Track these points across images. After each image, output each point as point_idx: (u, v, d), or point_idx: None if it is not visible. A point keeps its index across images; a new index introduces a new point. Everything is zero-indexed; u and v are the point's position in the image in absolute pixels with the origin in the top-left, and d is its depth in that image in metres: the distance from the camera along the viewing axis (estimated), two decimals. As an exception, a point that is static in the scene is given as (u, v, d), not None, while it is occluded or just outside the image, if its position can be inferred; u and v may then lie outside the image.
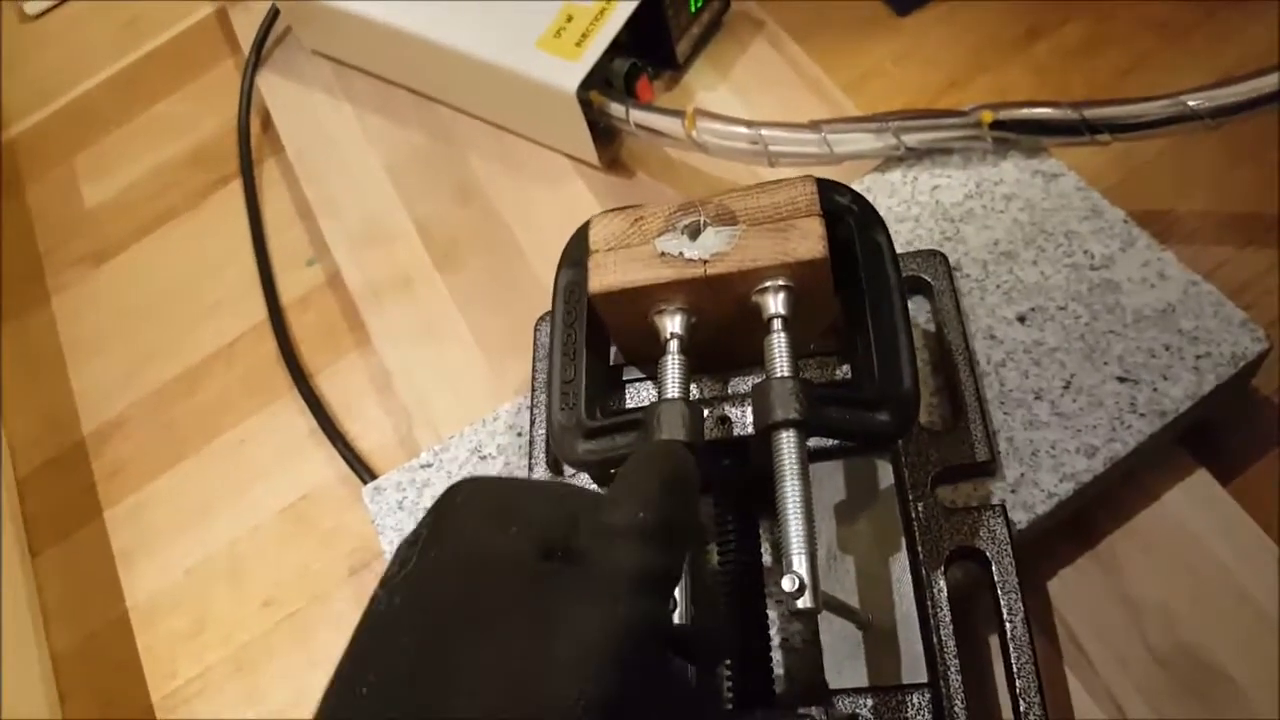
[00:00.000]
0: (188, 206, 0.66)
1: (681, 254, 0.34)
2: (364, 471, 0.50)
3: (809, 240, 0.34)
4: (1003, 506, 0.39)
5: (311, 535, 0.51)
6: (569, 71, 0.53)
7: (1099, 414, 0.41)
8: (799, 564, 0.30)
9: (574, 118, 0.54)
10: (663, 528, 0.26)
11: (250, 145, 0.65)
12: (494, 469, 0.45)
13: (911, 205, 0.48)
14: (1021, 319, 0.44)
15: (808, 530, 0.31)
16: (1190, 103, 0.46)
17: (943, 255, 0.45)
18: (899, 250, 0.46)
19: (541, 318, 0.46)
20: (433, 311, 0.54)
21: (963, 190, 0.48)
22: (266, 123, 0.66)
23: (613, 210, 0.38)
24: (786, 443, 0.32)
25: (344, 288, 0.57)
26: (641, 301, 0.35)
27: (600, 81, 0.54)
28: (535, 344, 0.45)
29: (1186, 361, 0.41)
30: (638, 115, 0.53)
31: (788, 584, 0.29)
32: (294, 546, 0.51)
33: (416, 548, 0.26)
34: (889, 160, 0.50)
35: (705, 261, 0.34)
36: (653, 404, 0.34)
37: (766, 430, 0.32)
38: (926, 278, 0.45)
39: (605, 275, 0.35)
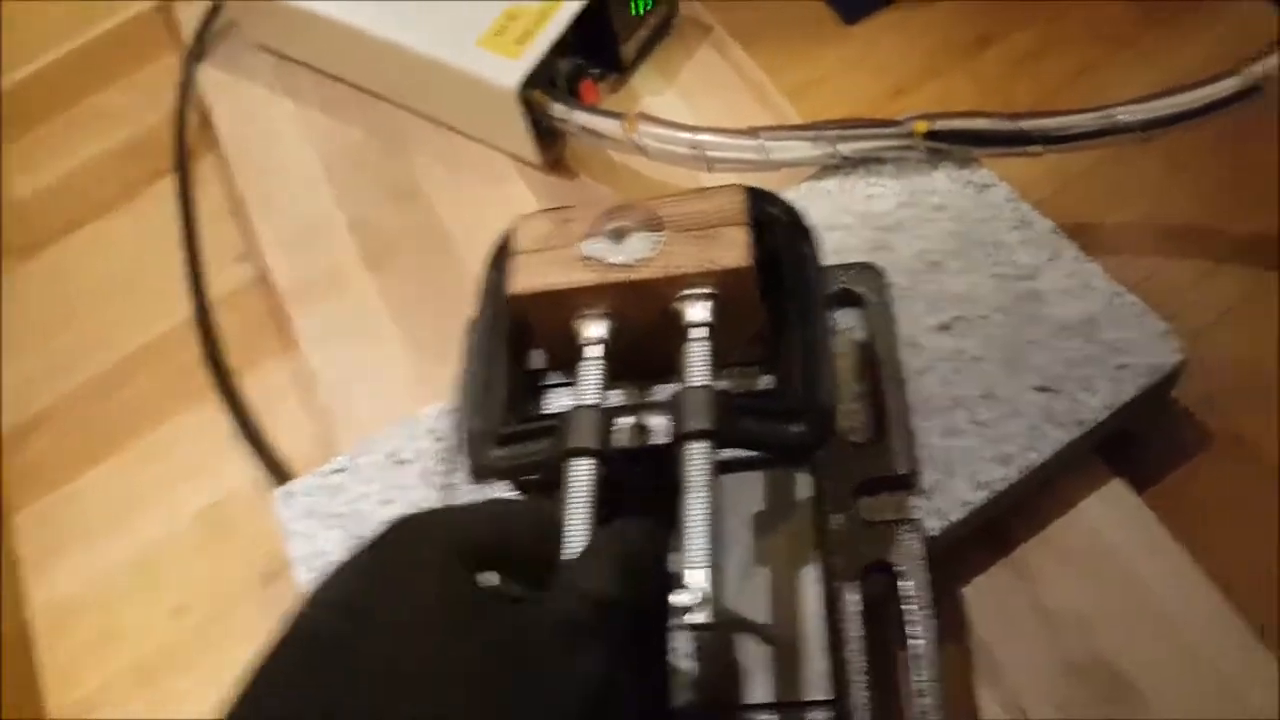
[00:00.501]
0: (120, 200, 0.64)
1: (605, 259, 0.34)
2: (281, 475, 0.49)
3: (734, 249, 0.33)
4: (919, 522, 0.38)
5: (227, 541, 0.50)
6: (509, 69, 0.53)
7: (1016, 423, 0.41)
8: (697, 577, 0.29)
9: (514, 117, 0.53)
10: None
11: (186, 139, 0.64)
12: (410, 474, 0.44)
13: (844, 214, 0.48)
14: (945, 328, 0.44)
15: (709, 544, 0.30)
16: (1120, 116, 0.46)
17: (875, 268, 0.45)
18: (832, 260, 0.46)
19: (472, 322, 0.46)
20: (362, 312, 0.54)
21: (895, 200, 0.48)
22: (206, 118, 0.65)
23: (540, 211, 0.38)
24: (696, 454, 0.31)
25: (274, 287, 0.56)
26: (563, 305, 0.34)
27: (543, 82, 0.54)
28: (463, 353, 0.45)
29: (1106, 372, 0.41)
30: (578, 116, 0.52)
31: (685, 598, 0.29)
32: (208, 552, 0.50)
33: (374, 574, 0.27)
34: (826, 168, 0.50)
35: (629, 267, 0.34)
36: (565, 411, 0.33)
37: (679, 440, 0.32)
38: (859, 290, 0.45)
39: (526, 277, 0.34)
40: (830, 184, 0.49)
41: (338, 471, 0.45)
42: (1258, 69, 0.43)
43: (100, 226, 0.64)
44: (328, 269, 0.56)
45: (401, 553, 0.27)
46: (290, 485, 0.45)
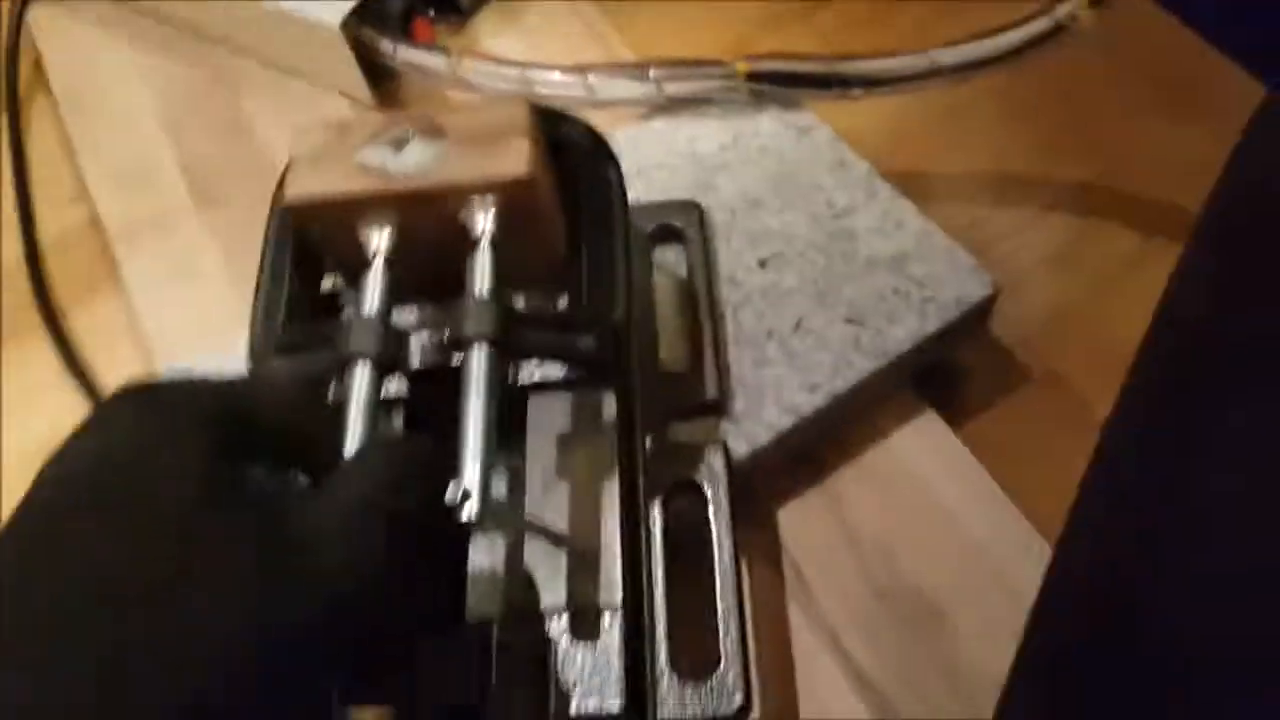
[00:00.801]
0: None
1: (384, 166, 0.33)
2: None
3: (513, 158, 0.33)
4: (724, 443, 0.39)
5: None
6: (334, 7, 0.52)
7: (824, 353, 0.42)
8: (469, 475, 0.29)
9: (342, 54, 0.53)
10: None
11: (17, 80, 0.62)
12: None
13: (671, 154, 0.48)
14: (762, 264, 0.45)
15: (485, 443, 0.30)
16: (938, 58, 0.47)
17: (698, 205, 0.46)
18: (657, 198, 0.46)
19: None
20: (190, 251, 0.53)
21: (719, 141, 0.49)
22: (38, 59, 0.63)
23: (317, 122, 0.37)
24: (474, 358, 0.31)
25: (103, 228, 0.55)
26: (343, 215, 0.34)
27: (373, 19, 0.53)
28: None
29: (912, 304, 0.43)
30: (405, 53, 0.52)
31: (451, 492, 0.29)
32: (32, 491, 0.49)
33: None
34: (654, 109, 0.50)
35: (408, 176, 0.33)
36: (344, 321, 0.33)
37: (457, 345, 0.32)
38: (679, 225, 0.45)
39: (301, 184, 0.34)
40: (658, 124, 0.49)
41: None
42: (1064, 9, 0.45)
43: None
44: (157, 209, 0.54)
45: (150, 427, 0.25)
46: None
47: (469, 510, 0.29)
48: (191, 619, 0.22)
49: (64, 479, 0.24)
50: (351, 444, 0.30)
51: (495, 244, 0.33)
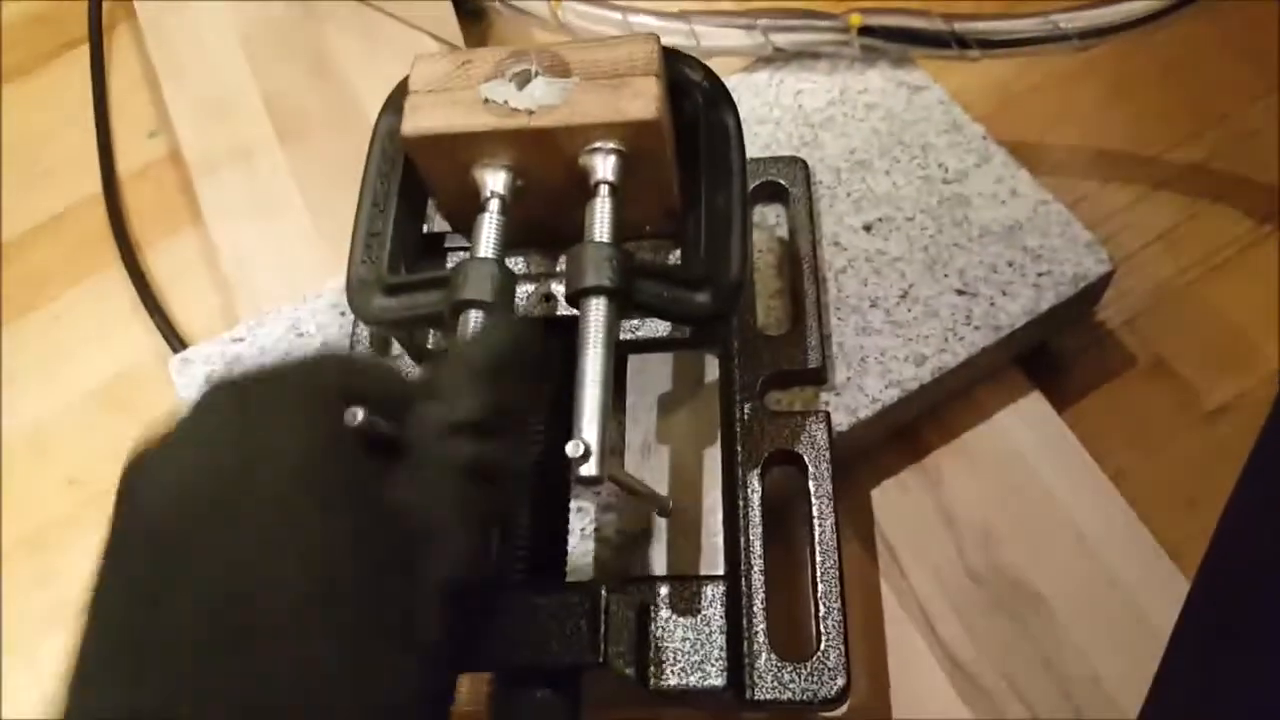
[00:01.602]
0: (29, 68, 0.61)
1: (506, 102, 0.32)
2: (181, 347, 0.47)
3: (642, 99, 0.31)
4: (826, 414, 0.37)
5: (125, 413, 0.48)
6: (431, -57, 0.50)
7: (933, 324, 0.40)
8: (587, 431, 0.28)
9: (435, -8, 0.51)
10: (492, 418, 0.25)
11: (100, 9, 0.61)
12: (311, 347, 0.42)
13: (774, 108, 0.47)
14: (868, 228, 0.43)
15: (602, 399, 0.29)
16: (1060, 22, 0.45)
17: (803, 162, 0.44)
18: (758, 154, 0.44)
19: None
20: (271, 187, 0.51)
21: (826, 96, 0.46)
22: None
23: (439, 52, 0.35)
24: (594, 310, 0.30)
25: (184, 162, 0.54)
26: (460, 152, 0.32)
27: (468, -43, 0.52)
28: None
29: (1028, 278, 0.41)
30: (503, -7, 0.50)
31: (571, 449, 0.27)
32: (105, 424, 0.48)
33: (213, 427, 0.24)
34: (757, 61, 0.48)
35: (531, 112, 0.32)
36: (460, 263, 0.32)
37: (575, 296, 0.31)
38: (784, 183, 0.43)
39: (420, 118, 0.32)
40: (760, 77, 0.47)
41: (237, 341, 0.43)
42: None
43: (8, 94, 0.60)
44: (239, 143, 0.53)
45: (256, 424, 0.24)
46: (187, 353, 0.43)
47: (589, 467, 0.27)
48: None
49: (180, 487, 0.23)
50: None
51: (614, 190, 0.31)
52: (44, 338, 0.52)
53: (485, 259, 0.31)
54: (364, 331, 0.40)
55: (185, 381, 0.42)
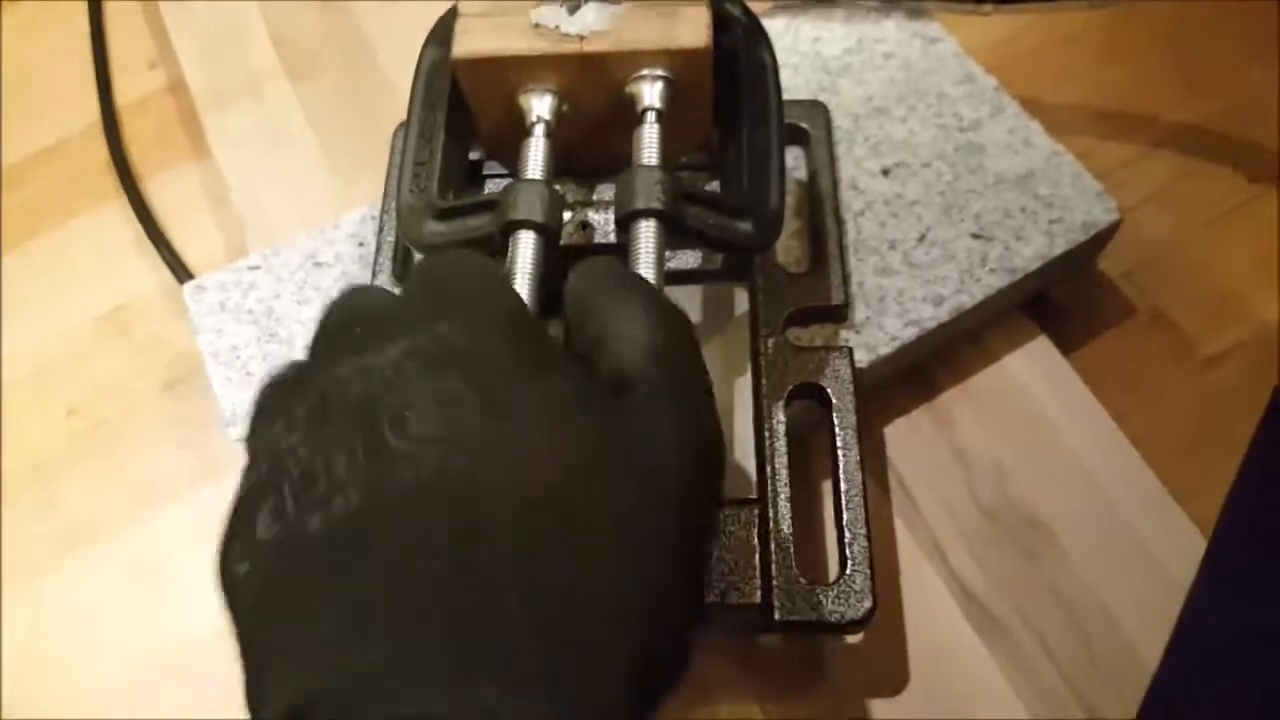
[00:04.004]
0: (23, -5, 0.60)
1: (558, 27, 0.32)
2: (187, 277, 0.47)
3: (693, 27, 0.31)
4: (849, 349, 0.38)
5: (127, 345, 0.48)
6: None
7: (950, 266, 0.41)
8: None
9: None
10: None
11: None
12: (329, 277, 0.42)
13: (792, 54, 0.47)
14: (885, 172, 0.43)
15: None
16: (1076, -23, 0.46)
17: (824, 106, 0.44)
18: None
19: (401, 125, 0.43)
20: (280, 119, 0.51)
21: (843, 45, 0.47)
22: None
23: None
24: (645, 233, 0.30)
25: (186, 94, 0.53)
26: (509, 76, 0.32)
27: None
28: (392, 154, 0.43)
29: (1040, 225, 0.41)
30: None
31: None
32: (107, 356, 0.48)
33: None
34: (775, 6, 0.48)
35: (582, 38, 0.32)
36: (510, 184, 0.32)
37: (626, 219, 0.31)
38: (805, 125, 0.44)
39: (472, 41, 0.32)
40: (778, 23, 0.48)
41: (253, 269, 0.43)
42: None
43: (6, 20, 0.59)
44: (245, 74, 0.53)
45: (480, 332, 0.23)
46: (201, 279, 0.43)
47: None
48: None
49: None
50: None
51: (661, 116, 0.31)
52: (44, 265, 0.51)
53: (535, 180, 0.31)
54: (385, 260, 0.40)
55: (200, 309, 0.42)
